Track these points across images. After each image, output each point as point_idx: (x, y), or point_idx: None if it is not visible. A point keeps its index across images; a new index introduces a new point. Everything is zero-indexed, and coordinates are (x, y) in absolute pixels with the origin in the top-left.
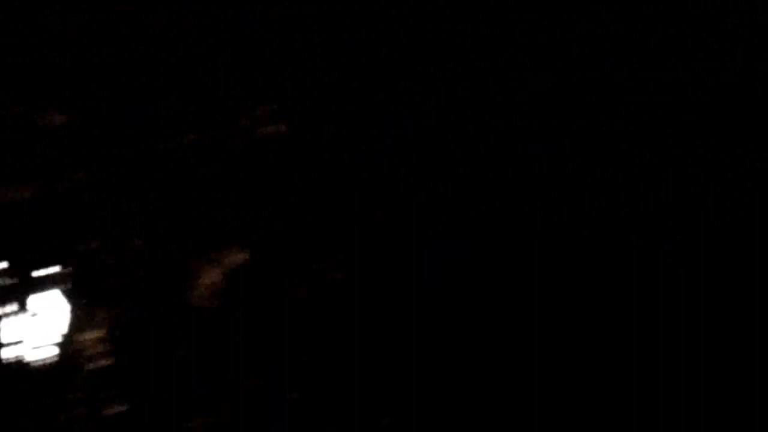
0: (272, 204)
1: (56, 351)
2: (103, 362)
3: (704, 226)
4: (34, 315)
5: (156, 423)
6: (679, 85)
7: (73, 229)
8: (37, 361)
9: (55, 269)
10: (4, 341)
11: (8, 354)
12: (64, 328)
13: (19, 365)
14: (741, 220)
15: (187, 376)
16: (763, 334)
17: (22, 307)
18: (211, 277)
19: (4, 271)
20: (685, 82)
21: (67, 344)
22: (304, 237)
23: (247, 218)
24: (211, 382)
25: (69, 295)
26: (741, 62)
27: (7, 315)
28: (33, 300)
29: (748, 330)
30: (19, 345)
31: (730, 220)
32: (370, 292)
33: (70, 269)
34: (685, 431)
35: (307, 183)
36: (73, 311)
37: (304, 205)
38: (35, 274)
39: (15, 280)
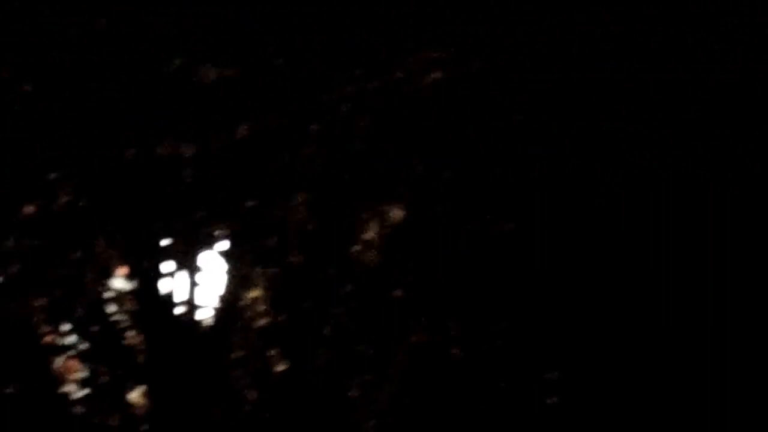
0: (431, 157)
1: (218, 310)
2: (264, 321)
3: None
4: (196, 274)
5: (318, 381)
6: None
7: (234, 186)
8: (200, 320)
9: (216, 227)
10: (167, 301)
11: (172, 313)
12: (226, 287)
13: (183, 325)
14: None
15: (347, 334)
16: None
17: (185, 266)
18: (372, 232)
19: (165, 230)
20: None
21: (229, 303)
22: (465, 190)
23: (405, 172)
24: (373, 340)
25: (231, 253)
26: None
27: (169, 274)
28: (195, 259)
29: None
30: (182, 305)
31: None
32: (534, 246)
33: (231, 227)
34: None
35: (468, 135)
36: (235, 269)
37: (464, 157)
38: (197, 232)
39: (177, 239)
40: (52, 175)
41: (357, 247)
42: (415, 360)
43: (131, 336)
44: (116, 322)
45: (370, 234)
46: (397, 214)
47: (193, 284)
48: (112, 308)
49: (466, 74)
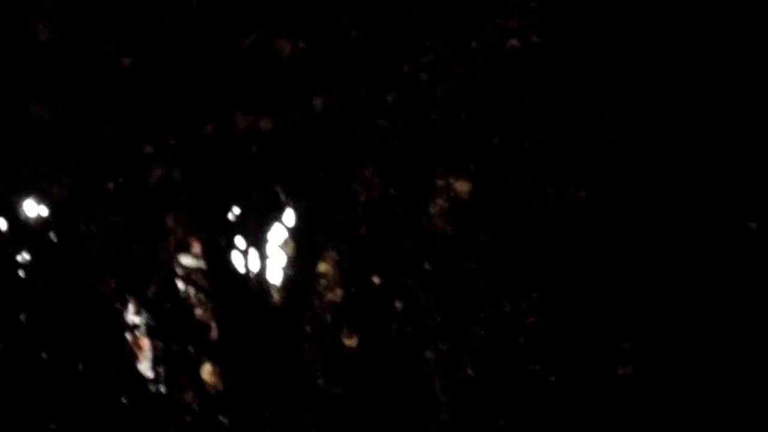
0: (507, 127)
1: (290, 284)
2: (335, 295)
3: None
4: (267, 248)
5: (390, 354)
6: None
7: (307, 160)
8: (271, 295)
9: (289, 201)
10: (239, 275)
11: (244, 288)
12: (297, 261)
13: (255, 300)
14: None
15: (420, 304)
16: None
17: (257, 241)
18: (445, 204)
19: (238, 204)
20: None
21: (300, 277)
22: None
23: (480, 142)
24: (447, 310)
25: (303, 227)
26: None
27: (241, 249)
28: (267, 233)
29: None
30: (254, 279)
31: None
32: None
33: (303, 201)
34: None
35: (543, 105)
36: (307, 243)
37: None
38: (270, 206)
39: (250, 214)
40: (148, 149)
41: (430, 219)
42: (490, 331)
43: (203, 312)
44: (188, 298)
45: (443, 206)
46: (469, 186)
47: (265, 258)
48: (184, 284)
49: (540, 43)
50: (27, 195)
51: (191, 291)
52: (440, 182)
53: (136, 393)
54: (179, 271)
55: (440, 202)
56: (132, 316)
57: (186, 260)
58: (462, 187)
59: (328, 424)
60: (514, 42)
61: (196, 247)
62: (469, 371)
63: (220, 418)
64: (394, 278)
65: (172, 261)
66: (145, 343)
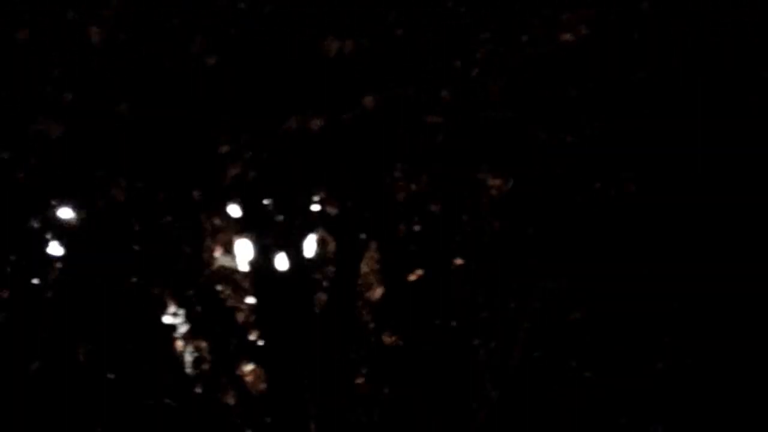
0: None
1: (332, 282)
2: (379, 293)
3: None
4: (309, 246)
5: (433, 353)
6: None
7: (358, 157)
8: (313, 295)
9: (332, 202)
10: (281, 275)
11: (286, 285)
12: (339, 260)
13: (298, 295)
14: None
15: (469, 298)
16: None
17: (299, 242)
18: (484, 200)
19: (282, 205)
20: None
21: (341, 277)
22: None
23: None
24: (496, 303)
25: (342, 227)
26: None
27: (283, 246)
28: (309, 233)
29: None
30: (297, 276)
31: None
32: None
33: (346, 200)
34: None
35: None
36: (348, 243)
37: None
38: (310, 207)
39: (294, 213)
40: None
41: (475, 216)
42: (538, 324)
43: (244, 313)
44: (229, 298)
45: (488, 202)
46: (514, 181)
47: (306, 260)
48: (225, 285)
49: (591, 37)
50: (84, 197)
51: (232, 292)
52: (485, 177)
53: (179, 394)
54: (221, 271)
55: (484, 198)
56: (170, 317)
57: (228, 260)
58: (507, 182)
59: (372, 424)
60: (565, 36)
61: (238, 248)
62: (515, 370)
63: (263, 419)
64: (437, 276)
65: (215, 261)
66: (179, 344)
